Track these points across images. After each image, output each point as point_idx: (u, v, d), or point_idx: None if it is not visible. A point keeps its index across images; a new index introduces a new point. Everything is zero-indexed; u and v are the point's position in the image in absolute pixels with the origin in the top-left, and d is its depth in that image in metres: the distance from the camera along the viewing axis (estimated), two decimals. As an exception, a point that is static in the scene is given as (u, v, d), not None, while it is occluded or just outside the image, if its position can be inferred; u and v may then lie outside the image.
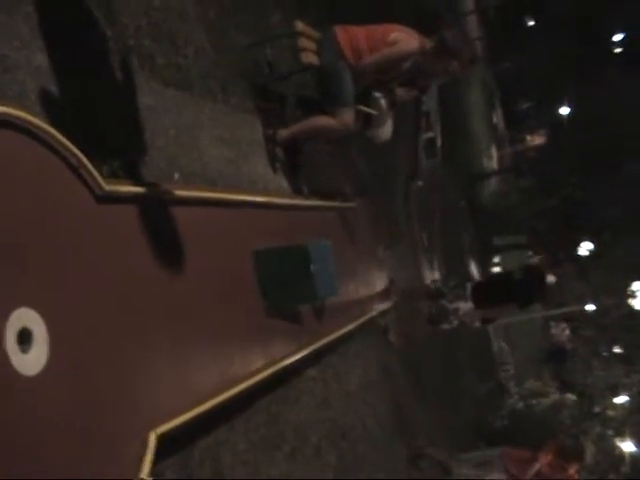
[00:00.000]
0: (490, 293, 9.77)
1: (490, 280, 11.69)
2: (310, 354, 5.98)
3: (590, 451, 16.38)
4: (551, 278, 9.66)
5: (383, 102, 7.04)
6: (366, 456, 7.02)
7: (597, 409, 20.29)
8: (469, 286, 10.34)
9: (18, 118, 2.95)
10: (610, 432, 19.48)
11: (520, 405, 19.11)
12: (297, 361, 5.64)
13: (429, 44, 6.38)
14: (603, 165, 25.89)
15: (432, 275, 13.39)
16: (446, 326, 10.60)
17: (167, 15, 5.09)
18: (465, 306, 10.11)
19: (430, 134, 15.35)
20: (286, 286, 5.49)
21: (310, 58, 6.31)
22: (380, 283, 9.45)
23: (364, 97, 6.76)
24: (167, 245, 4.15)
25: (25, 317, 2.86)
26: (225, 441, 4.49)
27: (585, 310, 24.27)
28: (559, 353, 24.78)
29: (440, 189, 16.64)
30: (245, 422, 4.80)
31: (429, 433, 10.05)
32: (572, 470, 8.81)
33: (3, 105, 2.92)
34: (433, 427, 10.50)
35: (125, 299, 3.56)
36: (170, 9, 5.15)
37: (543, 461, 8.85)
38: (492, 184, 28.79)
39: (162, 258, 3.98)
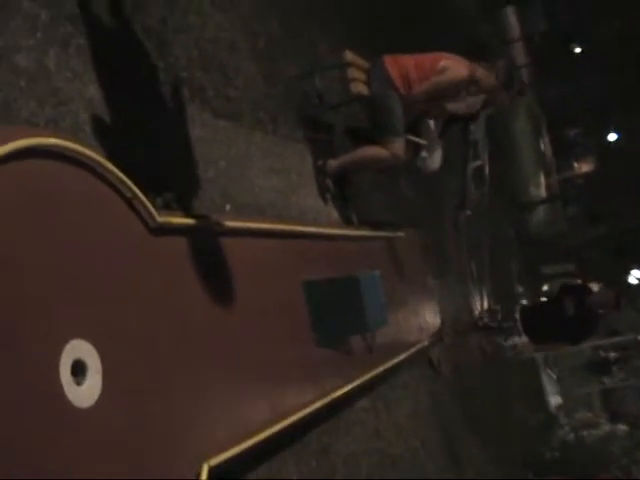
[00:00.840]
0: (544, 327, 9.59)
1: (542, 310, 11.44)
2: (360, 385, 5.92)
3: (641, 483, 16.06)
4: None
5: (433, 131, 7.04)
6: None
7: (649, 440, 19.92)
8: (518, 310, 10.22)
9: (72, 150, 2.95)
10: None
11: (571, 436, 18.79)
12: (348, 392, 5.59)
13: (479, 72, 6.38)
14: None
15: (481, 305, 13.26)
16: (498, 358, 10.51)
17: (217, 46, 5.12)
18: (520, 341, 9.99)
19: (478, 163, 15.25)
20: (337, 317, 5.44)
21: (359, 88, 6.31)
22: (429, 313, 9.36)
23: (414, 126, 6.75)
24: (219, 276, 4.14)
25: (79, 349, 2.84)
26: (276, 473, 4.45)
27: (637, 339, 23.97)
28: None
29: (488, 218, 16.52)
30: (296, 454, 4.76)
31: (479, 465, 9.91)
32: None
33: (57, 137, 2.93)
34: (483, 458, 10.35)
35: (177, 331, 3.54)
36: (220, 40, 5.18)
37: None
38: (540, 212, 28.51)
39: (214, 289, 3.97)
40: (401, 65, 6.38)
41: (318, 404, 4.99)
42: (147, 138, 4.04)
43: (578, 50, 36.90)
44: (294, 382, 4.82)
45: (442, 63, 6.33)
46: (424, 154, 7.12)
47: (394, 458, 6.64)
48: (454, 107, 7.18)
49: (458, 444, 9.14)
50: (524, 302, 15.36)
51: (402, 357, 7.32)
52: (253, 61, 5.60)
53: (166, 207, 3.85)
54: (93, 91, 3.66)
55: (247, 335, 4.28)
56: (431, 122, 7.07)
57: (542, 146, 36.16)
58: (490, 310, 12.22)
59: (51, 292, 2.77)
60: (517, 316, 10.16)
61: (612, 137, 34.17)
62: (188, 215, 3.98)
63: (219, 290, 4.04)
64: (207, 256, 4.02)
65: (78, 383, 2.81)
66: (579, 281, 16.52)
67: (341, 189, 6.79)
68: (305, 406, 4.80)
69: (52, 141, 2.84)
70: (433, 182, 10.03)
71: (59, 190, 2.90)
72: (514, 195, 22.58)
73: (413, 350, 7.85)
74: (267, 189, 5.42)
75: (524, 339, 9.88)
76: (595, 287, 11.43)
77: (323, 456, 5.19)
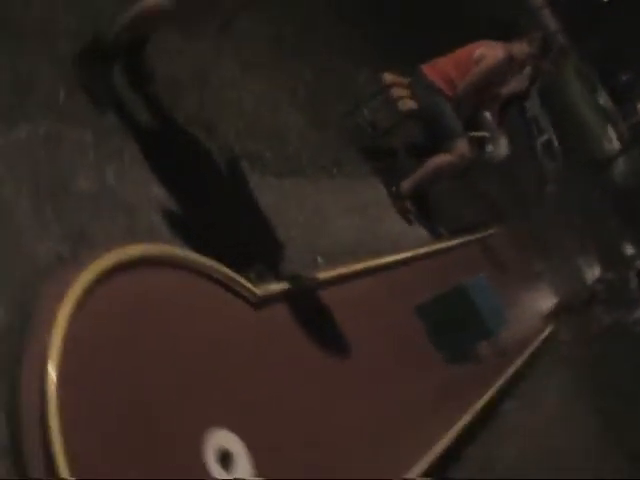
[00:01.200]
0: None
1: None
2: (502, 388, 5.84)
3: None
4: None
5: (491, 121, 6.98)
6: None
7: None
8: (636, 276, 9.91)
9: (158, 255, 3.00)
10: None
11: None
12: (492, 399, 5.52)
13: (515, 48, 6.34)
14: None
15: (593, 276, 12.98)
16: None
17: (260, 111, 5.16)
18: None
19: (545, 137, 15.06)
20: (457, 330, 5.39)
21: (408, 104, 6.32)
22: (545, 299, 9.21)
23: (472, 122, 6.70)
24: (330, 329, 4.13)
25: (221, 438, 2.86)
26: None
27: None
28: None
29: (573, 187, 16.27)
30: (459, 473, 4.69)
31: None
32: None
33: (139, 244, 2.97)
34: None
35: (308, 397, 3.54)
36: (261, 104, 5.22)
37: None
38: (621, 165, 27.92)
39: (328, 344, 3.96)
40: (439, 69, 6.38)
41: (466, 419, 4.94)
42: (222, 219, 4.07)
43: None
44: (437, 407, 4.78)
45: (477, 52, 6.32)
46: (489, 147, 7.05)
47: (557, 450, 6.49)
48: (505, 90, 7.12)
49: (616, 420, 8.88)
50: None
51: (532, 349, 7.20)
52: (298, 113, 5.63)
53: (260, 279, 3.86)
54: (157, 191, 3.70)
55: (376, 379, 4.26)
56: (487, 114, 7.01)
57: (601, 99, 35.54)
58: (603, 280, 11.86)
59: (188, 384, 2.82)
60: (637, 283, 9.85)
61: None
62: (283, 280, 3.98)
63: (335, 343, 4.04)
64: (313, 313, 4.03)
65: (228, 471, 2.81)
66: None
67: (421, 207, 6.75)
68: (456, 424, 4.75)
69: (140, 252, 2.91)
70: (508, 170, 9.92)
71: (156, 295, 2.94)
72: (590, 156, 22.19)
73: (540, 339, 7.72)
74: (351, 230, 5.42)
75: None
76: None
77: (487, 469, 5.11)
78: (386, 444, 3.93)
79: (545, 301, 9.30)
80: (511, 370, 6.33)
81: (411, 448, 4.14)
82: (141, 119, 3.96)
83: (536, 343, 7.48)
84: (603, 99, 37.52)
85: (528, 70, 7.35)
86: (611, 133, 31.81)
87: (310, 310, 3.96)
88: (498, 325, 5.73)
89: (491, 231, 8.19)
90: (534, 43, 6.50)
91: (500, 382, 5.91)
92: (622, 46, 33.11)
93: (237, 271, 3.40)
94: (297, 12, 6.57)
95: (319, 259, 4.69)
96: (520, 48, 6.45)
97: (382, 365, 4.39)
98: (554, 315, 8.93)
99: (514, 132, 10.41)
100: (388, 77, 6.35)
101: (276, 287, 3.81)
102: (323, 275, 4.36)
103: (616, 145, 29.78)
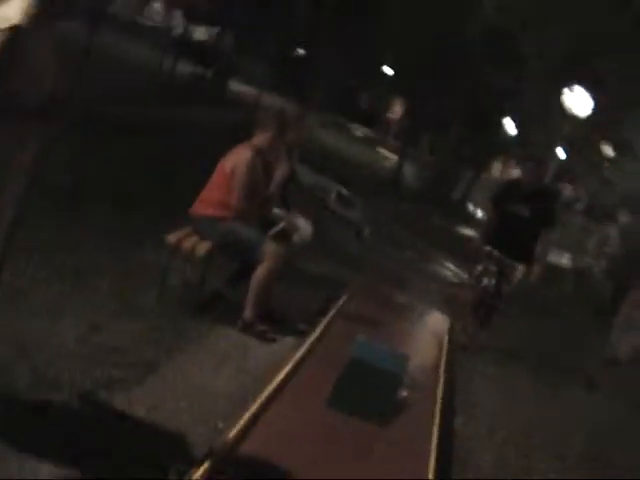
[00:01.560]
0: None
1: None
2: (442, 411, 5.94)
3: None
4: None
5: (281, 212, 7.19)
6: None
7: None
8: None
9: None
10: None
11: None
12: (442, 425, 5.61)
13: (257, 139, 6.57)
14: None
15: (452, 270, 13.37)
16: None
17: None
18: None
19: (333, 195, 15.58)
20: (374, 395, 5.50)
21: (203, 248, 6.44)
22: (424, 316, 9.44)
23: (266, 223, 6.88)
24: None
25: None
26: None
27: None
28: None
29: (383, 215, 16.73)
30: None
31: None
32: None
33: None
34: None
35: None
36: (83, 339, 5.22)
37: None
38: (407, 173, 28.82)
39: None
40: (207, 200, 6.57)
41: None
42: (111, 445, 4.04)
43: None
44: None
45: (228, 166, 6.48)
46: (294, 235, 7.22)
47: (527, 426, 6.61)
48: (276, 180, 7.29)
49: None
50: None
51: (444, 362, 7.36)
52: (119, 319, 5.67)
53: (183, 474, 3.85)
54: None
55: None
56: (275, 209, 7.20)
57: (358, 132, 36.88)
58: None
59: None
60: None
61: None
62: (203, 463, 3.98)
63: None
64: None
65: None
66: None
67: (273, 320, 6.86)
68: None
69: None
70: (322, 243, 10.16)
71: None
72: (379, 181, 22.89)
73: (445, 348, 7.88)
74: (230, 381, 5.49)
75: None
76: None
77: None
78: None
79: (427, 317, 9.57)
80: (439, 392, 6.47)
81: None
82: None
83: (445, 354, 7.65)
84: (359, 130, 39.13)
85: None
86: (383, 152, 33.18)
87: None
88: (400, 365, 5.86)
89: (344, 298, 8.36)
90: (270, 125, 6.72)
91: (437, 408, 6.04)
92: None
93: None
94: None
95: (219, 424, 4.71)
96: (260, 137, 6.66)
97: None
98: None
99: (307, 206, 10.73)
100: (171, 238, 6.43)
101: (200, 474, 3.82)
102: (232, 435, 4.40)
103: (393, 160, 30.92)
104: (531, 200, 8.35)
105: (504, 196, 8.74)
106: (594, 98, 18.91)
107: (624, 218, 17.93)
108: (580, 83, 19.11)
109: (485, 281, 8.60)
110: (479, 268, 8.74)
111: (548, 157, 21.33)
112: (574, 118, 19.15)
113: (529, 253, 8.50)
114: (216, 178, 6.60)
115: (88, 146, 10.04)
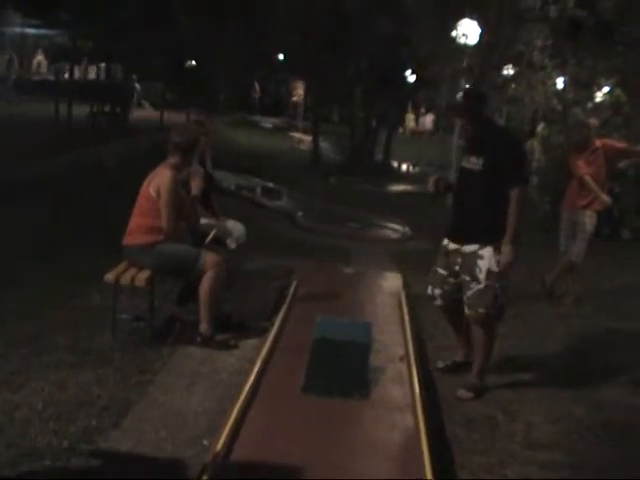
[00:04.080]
0: None
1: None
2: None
3: None
4: None
5: (209, 221, 7.18)
6: None
7: None
8: None
9: None
10: None
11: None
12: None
13: (172, 157, 6.53)
14: None
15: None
16: None
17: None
18: None
19: (258, 190, 15.60)
20: (349, 371, 5.57)
21: (143, 276, 6.40)
22: (378, 280, 9.49)
23: (199, 234, 6.88)
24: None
25: None
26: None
27: None
28: None
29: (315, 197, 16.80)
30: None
31: None
32: None
33: None
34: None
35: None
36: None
37: None
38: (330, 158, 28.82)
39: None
40: (135, 229, 6.53)
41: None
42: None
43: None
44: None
45: (151, 189, 6.41)
46: (227, 240, 7.23)
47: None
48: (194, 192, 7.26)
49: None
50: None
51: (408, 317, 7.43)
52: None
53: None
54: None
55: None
56: (202, 220, 7.18)
57: (264, 124, 36.92)
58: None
59: None
60: None
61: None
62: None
63: None
64: None
65: None
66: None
67: (231, 326, 6.88)
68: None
69: None
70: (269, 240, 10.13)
71: None
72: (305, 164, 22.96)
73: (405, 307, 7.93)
74: (205, 399, 5.49)
75: None
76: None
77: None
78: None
79: (380, 279, 9.65)
80: (410, 346, 6.55)
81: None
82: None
83: (406, 310, 7.75)
84: (267, 122, 39.19)
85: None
86: (297, 135, 33.27)
87: None
88: (365, 333, 5.90)
89: (294, 285, 8.38)
90: (179, 136, 6.70)
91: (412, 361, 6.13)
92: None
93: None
94: None
95: (205, 442, 4.73)
96: (174, 155, 6.60)
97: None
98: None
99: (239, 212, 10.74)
100: (110, 277, 6.40)
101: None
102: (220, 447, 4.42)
103: (308, 140, 30.81)
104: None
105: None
106: (481, 26, 19.07)
107: (542, 130, 18.21)
108: (465, 15, 19.24)
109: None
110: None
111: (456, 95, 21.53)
112: (467, 47, 19.32)
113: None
114: (141, 204, 6.53)
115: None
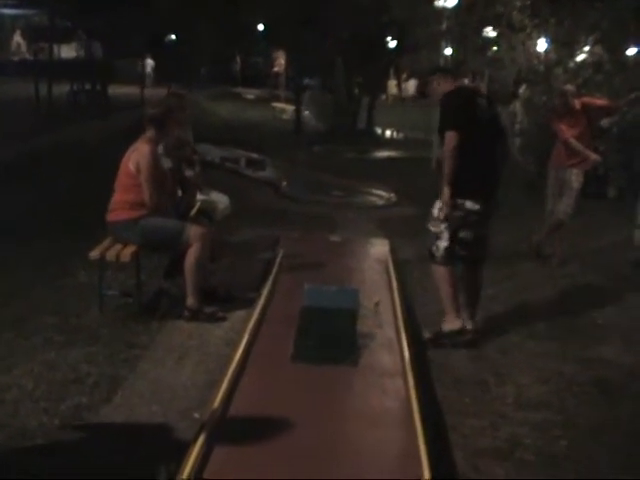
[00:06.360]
0: None
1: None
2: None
3: None
4: None
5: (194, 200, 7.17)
6: None
7: None
8: None
9: None
10: None
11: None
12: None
13: (149, 132, 6.49)
14: None
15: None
16: None
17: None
18: None
19: (243, 160, 15.56)
20: (341, 337, 5.61)
21: (127, 252, 6.38)
22: (366, 248, 9.48)
23: (183, 207, 6.87)
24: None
25: None
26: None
27: None
28: None
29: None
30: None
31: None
32: None
33: None
34: None
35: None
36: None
37: None
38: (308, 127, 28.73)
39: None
40: (117, 205, 6.50)
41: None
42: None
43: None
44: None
45: (130, 165, 6.38)
46: (213, 212, 7.22)
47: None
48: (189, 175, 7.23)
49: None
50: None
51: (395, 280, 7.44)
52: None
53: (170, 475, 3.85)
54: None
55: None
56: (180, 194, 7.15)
57: (249, 95, 36.67)
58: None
59: None
60: None
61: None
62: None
63: None
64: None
65: None
66: None
67: (219, 298, 6.88)
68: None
69: None
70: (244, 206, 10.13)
71: None
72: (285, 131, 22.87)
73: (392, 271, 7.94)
74: (195, 371, 5.51)
75: None
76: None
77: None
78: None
79: (366, 246, 9.66)
80: (398, 311, 6.57)
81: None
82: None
83: (393, 275, 7.76)
84: (249, 94, 38.88)
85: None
86: (279, 105, 33.12)
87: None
88: (353, 300, 5.91)
89: (280, 255, 8.38)
90: (152, 108, 6.68)
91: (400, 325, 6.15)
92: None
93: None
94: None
95: (196, 415, 4.73)
96: (151, 129, 6.56)
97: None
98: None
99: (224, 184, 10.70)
100: (94, 254, 6.37)
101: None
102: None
103: (290, 110, 30.58)
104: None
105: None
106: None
107: (524, 92, 18.18)
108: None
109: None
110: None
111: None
112: (446, 10, 19.23)
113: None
114: (122, 180, 6.50)
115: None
